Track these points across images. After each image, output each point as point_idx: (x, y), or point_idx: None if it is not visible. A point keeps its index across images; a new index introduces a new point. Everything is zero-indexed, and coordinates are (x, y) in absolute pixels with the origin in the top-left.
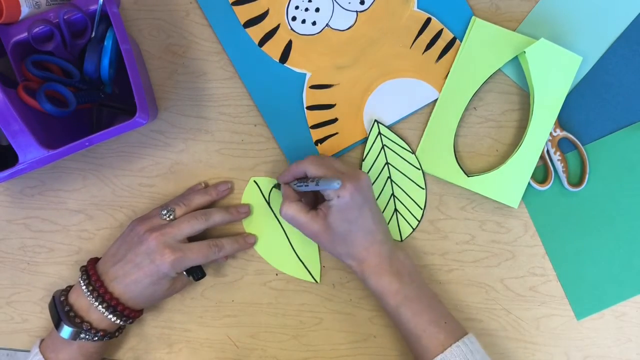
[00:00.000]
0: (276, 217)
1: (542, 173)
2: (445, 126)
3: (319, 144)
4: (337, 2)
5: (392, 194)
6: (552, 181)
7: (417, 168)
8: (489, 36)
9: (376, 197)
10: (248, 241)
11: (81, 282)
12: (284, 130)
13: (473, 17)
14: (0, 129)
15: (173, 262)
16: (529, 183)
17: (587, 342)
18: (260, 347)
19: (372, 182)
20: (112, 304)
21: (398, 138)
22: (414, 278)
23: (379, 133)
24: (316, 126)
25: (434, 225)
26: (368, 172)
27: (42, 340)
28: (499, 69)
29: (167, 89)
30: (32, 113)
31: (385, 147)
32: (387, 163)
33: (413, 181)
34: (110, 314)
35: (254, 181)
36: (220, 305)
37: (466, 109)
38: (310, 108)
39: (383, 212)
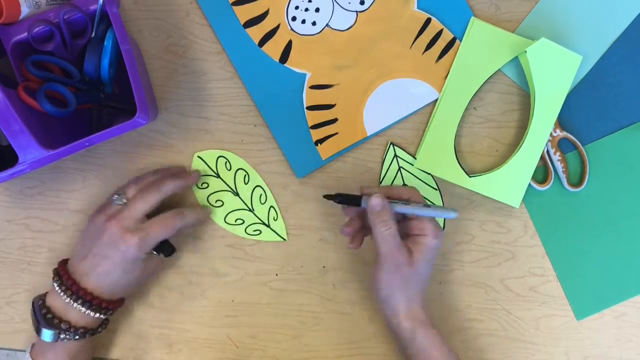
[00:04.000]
0: (229, 186)
1: (542, 173)
2: (445, 127)
3: (319, 144)
4: (337, 2)
5: None
6: (552, 181)
7: (434, 188)
8: (488, 37)
9: None
10: (206, 212)
11: (54, 284)
12: (284, 131)
13: (472, 18)
14: (0, 129)
15: (138, 244)
16: (529, 183)
17: (587, 342)
18: (260, 347)
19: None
20: (88, 299)
21: (414, 159)
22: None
23: (395, 155)
24: (316, 126)
25: None
26: None
27: (33, 345)
28: (499, 69)
29: (167, 89)
30: (32, 113)
31: (401, 169)
32: (404, 184)
33: (431, 202)
34: (87, 309)
35: (198, 156)
36: (220, 305)
37: (466, 109)
38: (310, 108)
39: None
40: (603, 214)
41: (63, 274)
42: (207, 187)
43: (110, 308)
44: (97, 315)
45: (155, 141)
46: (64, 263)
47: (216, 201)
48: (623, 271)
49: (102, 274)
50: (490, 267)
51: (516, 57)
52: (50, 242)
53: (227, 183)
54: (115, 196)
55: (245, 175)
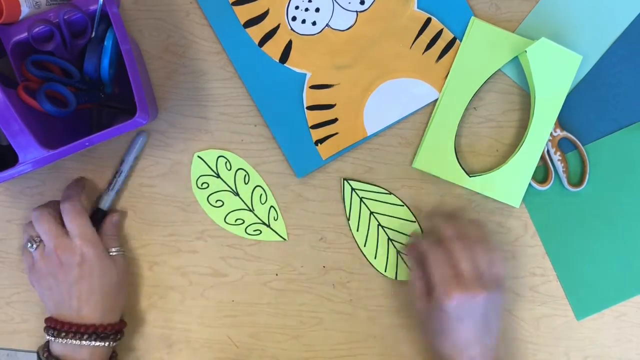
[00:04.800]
0: (229, 186)
1: (542, 173)
2: (445, 126)
3: (319, 144)
4: (337, 2)
5: (389, 239)
6: (552, 181)
7: (400, 205)
8: (488, 37)
9: (375, 247)
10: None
11: (52, 338)
12: (284, 130)
13: (472, 18)
14: (1, 129)
15: (86, 244)
16: (529, 183)
17: (587, 342)
18: (260, 347)
19: (365, 237)
20: (91, 330)
21: (371, 185)
22: None
23: (352, 189)
24: (316, 126)
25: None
26: (357, 229)
27: None
28: (499, 69)
29: (167, 89)
30: (32, 113)
31: (363, 199)
32: (371, 213)
33: (402, 219)
34: (97, 341)
35: (198, 156)
36: (220, 305)
37: (466, 109)
38: (310, 108)
39: (387, 259)
40: (603, 214)
41: (56, 324)
42: (207, 187)
43: (117, 330)
44: (109, 343)
45: (155, 141)
46: (50, 319)
47: (216, 201)
48: (623, 271)
49: (84, 298)
50: None
51: (516, 57)
52: None
53: (227, 183)
54: (28, 244)
55: (245, 175)
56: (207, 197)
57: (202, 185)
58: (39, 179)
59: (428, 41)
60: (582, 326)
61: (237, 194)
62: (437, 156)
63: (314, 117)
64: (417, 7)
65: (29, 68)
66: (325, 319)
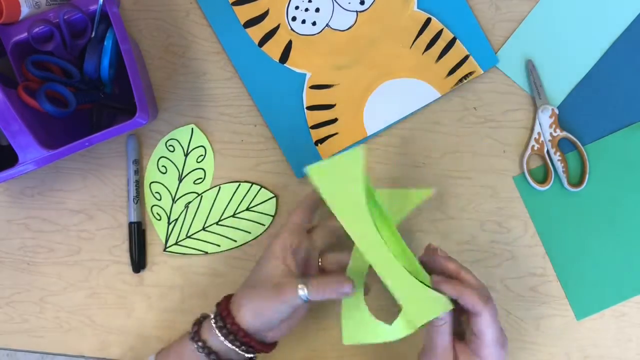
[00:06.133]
0: (180, 170)
1: (542, 173)
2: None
3: (319, 144)
4: (337, 2)
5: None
6: (552, 181)
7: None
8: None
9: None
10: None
11: (219, 335)
12: (284, 131)
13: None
14: (1, 129)
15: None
16: (528, 183)
17: (587, 342)
18: None
19: None
20: (252, 343)
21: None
22: None
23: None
24: (316, 126)
25: (434, 226)
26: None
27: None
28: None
29: (167, 89)
30: (32, 113)
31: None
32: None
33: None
34: (247, 352)
35: (192, 128)
36: None
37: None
38: (310, 108)
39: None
40: (603, 214)
41: (227, 321)
42: (172, 151)
43: (264, 350)
44: (250, 356)
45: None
46: (226, 306)
47: (162, 166)
48: (623, 271)
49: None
50: (490, 267)
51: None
52: (50, 242)
53: (182, 168)
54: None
55: (200, 179)
56: (159, 157)
57: (169, 146)
58: (39, 179)
59: (428, 41)
60: (582, 326)
61: (180, 180)
62: (359, 323)
63: (314, 117)
64: (417, 7)
65: (29, 68)
66: (325, 318)
